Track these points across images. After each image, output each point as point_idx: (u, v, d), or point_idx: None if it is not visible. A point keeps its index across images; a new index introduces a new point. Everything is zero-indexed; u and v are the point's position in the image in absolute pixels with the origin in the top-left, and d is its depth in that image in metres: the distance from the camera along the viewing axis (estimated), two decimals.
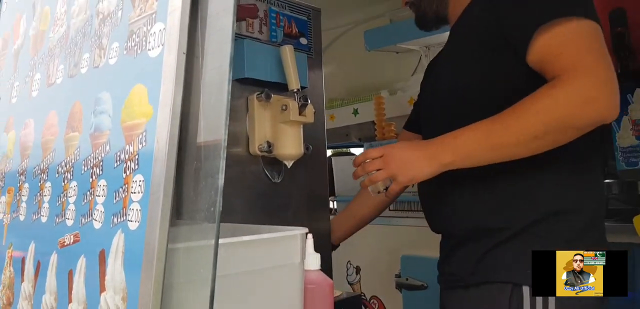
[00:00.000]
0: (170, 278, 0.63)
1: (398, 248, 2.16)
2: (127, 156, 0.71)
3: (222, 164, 0.59)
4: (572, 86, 0.85)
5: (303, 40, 1.49)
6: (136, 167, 0.69)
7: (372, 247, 2.23)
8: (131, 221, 0.68)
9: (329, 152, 2.88)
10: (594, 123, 0.87)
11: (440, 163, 0.95)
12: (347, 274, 2.38)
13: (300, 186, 1.48)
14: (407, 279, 2.11)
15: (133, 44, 0.73)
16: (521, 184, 0.99)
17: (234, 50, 1.34)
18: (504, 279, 0.98)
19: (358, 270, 2.35)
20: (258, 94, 1.33)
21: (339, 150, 3.17)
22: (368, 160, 1.04)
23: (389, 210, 2.19)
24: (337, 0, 2.55)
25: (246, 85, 1.36)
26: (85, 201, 0.79)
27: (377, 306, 2.29)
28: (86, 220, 0.78)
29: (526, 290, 0.94)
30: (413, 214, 2.12)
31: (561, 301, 0.88)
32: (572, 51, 0.88)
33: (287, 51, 1.31)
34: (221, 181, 0.58)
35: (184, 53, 0.65)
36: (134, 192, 0.68)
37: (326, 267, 1.35)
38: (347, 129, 2.81)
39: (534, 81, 0.92)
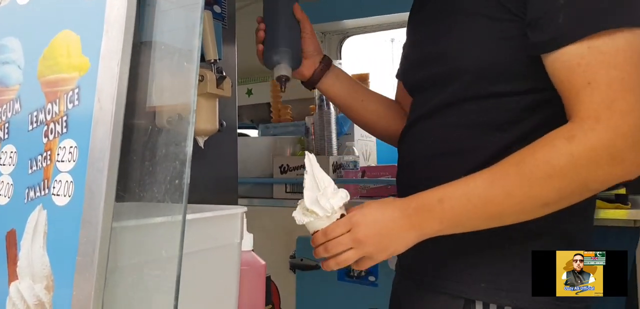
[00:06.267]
0: (114, 261, 0.54)
1: (294, 229, 2.15)
2: (49, 117, 0.59)
3: (191, 130, 0.51)
4: (599, 140, 0.64)
5: (216, 8, 1.39)
6: (64, 130, 0.58)
7: (268, 229, 2.19)
8: (58, 195, 0.57)
9: None
10: (614, 184, 0.67)
11: (424, 234, 0.75)
12: None
13: (209, 165, 1.39)
14: (301, 260, 2.12)
15: None
16: None
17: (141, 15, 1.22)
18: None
19: None
20: None
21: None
22: (332, 239, 0.77)
23: (286, 192, 2.17)
24: None
25: None
26: None
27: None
28: None
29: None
30: None
31: None
32: (605, 82, 0.64)
33: (205, 18, 1.21)
34: (189, 148, 0.51)
35: None
36: (62, 161, 0.57)
37: None
38: (239, 110, 2.72)
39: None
